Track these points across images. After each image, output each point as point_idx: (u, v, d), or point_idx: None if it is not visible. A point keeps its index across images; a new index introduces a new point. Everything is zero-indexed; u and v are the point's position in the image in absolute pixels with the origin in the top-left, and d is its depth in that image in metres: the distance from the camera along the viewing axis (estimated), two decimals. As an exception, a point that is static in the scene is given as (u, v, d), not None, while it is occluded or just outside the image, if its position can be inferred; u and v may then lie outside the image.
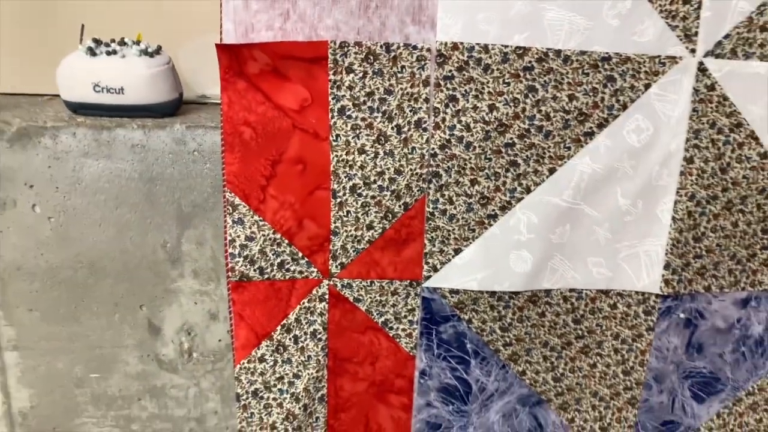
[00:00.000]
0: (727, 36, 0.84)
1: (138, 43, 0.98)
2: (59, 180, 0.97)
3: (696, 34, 0.84)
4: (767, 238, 0.93)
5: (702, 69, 0.85)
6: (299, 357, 0.97)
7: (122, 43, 0.98)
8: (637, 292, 0.94)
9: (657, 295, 0.94)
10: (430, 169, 0.89)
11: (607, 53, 0.84)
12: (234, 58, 0.83)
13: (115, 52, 0.96)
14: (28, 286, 1.03)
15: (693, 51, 0.84)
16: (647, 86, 0.86)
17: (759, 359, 1.00)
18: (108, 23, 1.02)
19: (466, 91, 0.85)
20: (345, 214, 0.91)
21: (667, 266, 0.92)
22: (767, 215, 0.92)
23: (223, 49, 0.82)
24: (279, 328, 0.96)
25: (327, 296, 0.95)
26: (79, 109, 0.97)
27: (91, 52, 0.96)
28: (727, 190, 0.90)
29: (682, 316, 0.96)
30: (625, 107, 0.87)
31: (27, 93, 1.09)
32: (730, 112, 0.87)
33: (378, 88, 0.86)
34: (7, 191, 0.97)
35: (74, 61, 0.96)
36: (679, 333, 0.97)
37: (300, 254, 0.92)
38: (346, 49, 0.83)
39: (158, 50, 0.98)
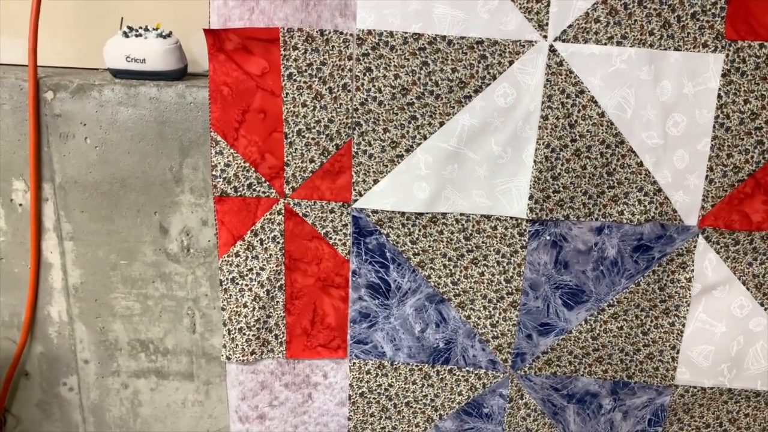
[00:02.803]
0: (570, 26, 0.98)
1: (156, 29, 1.14)
2: (102, 121, 1.13)
3: (547, 24, 0.98)
4: (612, 179, 1.04)
5: (552, 50, 0.99)
6: (264, 255, 1.11)
7: (146, 29, 1.14)
8: (511, 218, 1.07)
9: (526, 220, 1.07)
10: (354, 119, 1.03)
11: (480, 38, 0.98)
12: (217, 38, 0.99)
13: (141, 35, 1.13)
14: (81, 195, 1.18)
15: (545, 37, 0.98)
16: (511, 62, 0.99)
17: (615, 277, 1.10)
18: (139, 16, 1.18)
19: (377, 64, 1.00)
20: (294, 150, 1.05)
21: (531, 198, 1.05)
22: (609, 161, 1.03)
23: (208, 32, 0.98)
24: (249, 232, 1.09)
25: (283, 211, 1.08)
26: (117, 73, 1.15)
27: (126, 35, 1.13)
28: (575, 140, 1.02)
29: (548, 238, 1.08)
30: (494, 78, 1.00)
31: (85, 67, 1.23)
32: (575, 82, 1.00)
33: (315, 61, 1.00)
34: (69, 127, 1.14)
35: (115, 41, 1.13)
36: (547, 252, 1.09)
37: (263, 179, 1.07)
38: (292, 34, 0.99)
39: (170, 34, 1.14)
